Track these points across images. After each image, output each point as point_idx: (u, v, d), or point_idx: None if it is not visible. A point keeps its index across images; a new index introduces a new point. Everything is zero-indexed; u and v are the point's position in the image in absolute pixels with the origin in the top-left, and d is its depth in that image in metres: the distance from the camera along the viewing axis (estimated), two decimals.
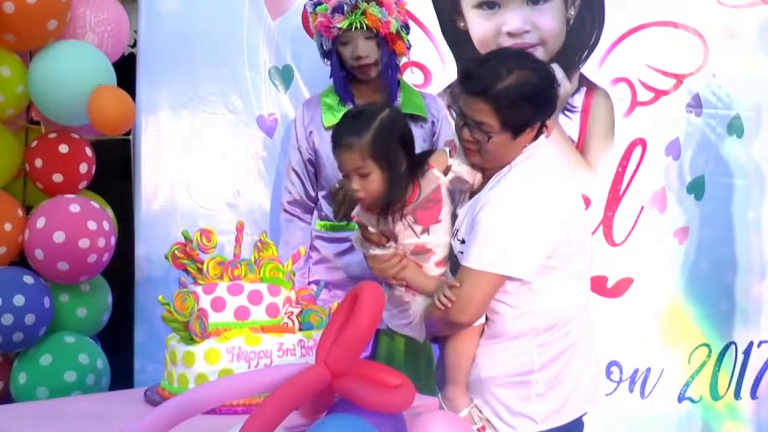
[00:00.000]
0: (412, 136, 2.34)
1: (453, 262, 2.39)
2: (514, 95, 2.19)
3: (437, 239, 2.35)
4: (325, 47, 2.99)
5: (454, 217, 2.39)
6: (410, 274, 2.35)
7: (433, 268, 2.38)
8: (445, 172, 2.36)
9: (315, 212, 3.10)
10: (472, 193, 2.38)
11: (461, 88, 2.28)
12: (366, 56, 2.92)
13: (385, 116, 2.27)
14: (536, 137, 2.31)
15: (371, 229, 2.32)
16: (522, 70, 2.21)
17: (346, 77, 3.01)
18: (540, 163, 2.30)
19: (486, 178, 2.34)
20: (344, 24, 2.89)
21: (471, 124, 2.25)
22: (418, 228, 2.32)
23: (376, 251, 2.34)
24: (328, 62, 3.04)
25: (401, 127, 2.31)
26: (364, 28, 2.89)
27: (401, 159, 2.27)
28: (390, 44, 2.96)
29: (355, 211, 2.37)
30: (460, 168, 2.34)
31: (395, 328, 2.45)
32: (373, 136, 2.23)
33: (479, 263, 2.22)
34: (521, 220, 2.22)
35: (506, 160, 2.29)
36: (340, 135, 2.27)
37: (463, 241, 2.30)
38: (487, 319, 2.31)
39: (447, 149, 2.38)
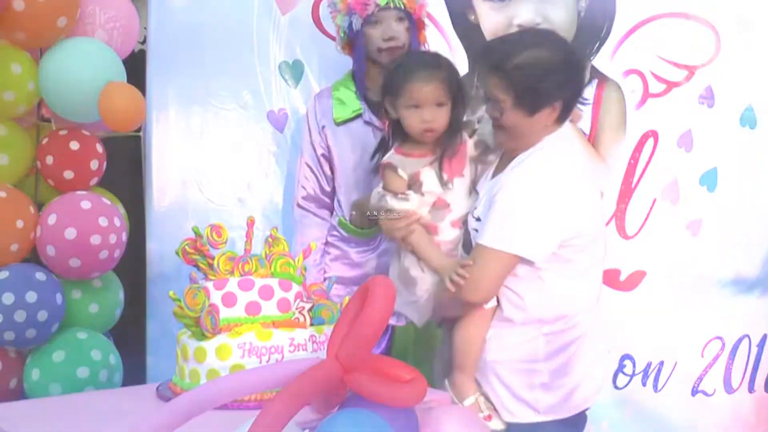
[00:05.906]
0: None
1: (466, 240, 2.44)
2: (527, 71, 2.23)
3: (457, 194, 2.44)
4: (354, 27, 2.85)
5: (475, 193, 2.45)
6: (417, 237, 2.42)
7: (448, 228, 2.43)
8: (470, 136, 2.54)
9: (336, 206, 3.05)
10: (495, 174, 2.42)
11: (481, 63, 2.36)
12: (397, 38, 2.85)
13: (447, 59, 2.54)
14: (560, 120, 2.32)
15: (401, 172, 2.42)
16: (539, 48, 2.25)
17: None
18: (564, 150, 2.33)
19: (510, 159, 2.36)
20: (382, 0, 2.82)
21: (491, 100, 2.31)
22: (444, 177, 2.43)
23: (393, 202, 2.41)
24: (343, 51, 2.96)
25: (457, 70, 2.54)
26: (402, 6, 2.83)
27: (463, 96, 2.47)
28: (418, 30, 2.92)
29: (389, 155, 2.47)
30: (484, 130, 2.47)
31: (397, 307, 2.43)
32: (449, 71, 2.47)
33: (493, 241, 2.24)
34: (538, 202, 2.25)
35: (530, 140, 2.31)
36: (419, 68, 2.44)
37: (479, 219, 2.33)
38: (498, 303, 2.33)
39: (475, 118, 2.57)
